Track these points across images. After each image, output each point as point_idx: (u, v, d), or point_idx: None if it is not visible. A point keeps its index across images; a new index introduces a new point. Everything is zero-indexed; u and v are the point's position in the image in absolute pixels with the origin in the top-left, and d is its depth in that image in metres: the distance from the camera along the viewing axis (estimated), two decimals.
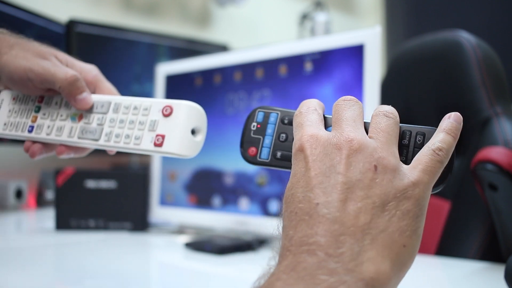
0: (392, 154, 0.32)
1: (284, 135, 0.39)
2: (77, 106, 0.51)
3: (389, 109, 0.35)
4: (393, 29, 1.95)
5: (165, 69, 1.06)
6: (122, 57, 1.50)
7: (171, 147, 0.46)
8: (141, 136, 0.47)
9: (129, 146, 0.48)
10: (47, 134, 0.53)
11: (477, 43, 0.91)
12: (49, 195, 1.39)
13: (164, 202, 1.02)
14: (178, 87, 1.04)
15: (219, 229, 0.93)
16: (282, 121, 0.39)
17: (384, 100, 0.78)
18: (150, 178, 1.04)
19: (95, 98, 0.52)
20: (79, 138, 0.51)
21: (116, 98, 0.51)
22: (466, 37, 0.92)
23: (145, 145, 0.47)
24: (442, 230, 0.90)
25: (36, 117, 0.54)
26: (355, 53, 0.78)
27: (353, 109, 0.35)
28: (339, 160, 0.31)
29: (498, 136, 0.82)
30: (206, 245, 0.79)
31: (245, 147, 0.40)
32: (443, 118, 0.35)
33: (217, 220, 0.92)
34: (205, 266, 0.74)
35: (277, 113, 0.40)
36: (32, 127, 0.53)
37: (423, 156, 0.33)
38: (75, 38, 1.39)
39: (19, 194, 1.33)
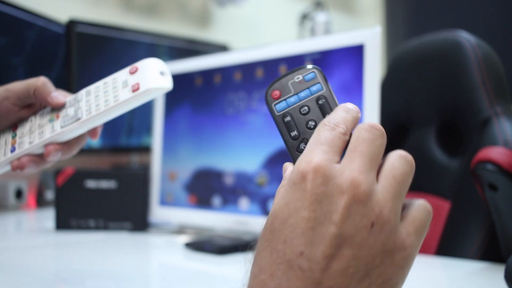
0: (394, 212, 0.30)
1: (307, 108, 0.35)
2: (54, 102, 0.54)
3: (408, 154, 0.32)
4: (393, 29, 1.95)
5: None
6: (122, 57, 1.49)
7: (148, 84, 0.50)
8: (118, 94, 0.51)
9: (110, 105, 0.51)
10: (30, 143, 0.54)
11: (477, 43, 0.91)
12: (49, 195, 1.39)
13: (164, 202, 1.02)
14: (178, 87, 1.03)
15: (219, 229, 0.93)
16: (318, 99, 0.35)
17: (384, 100, 0.78)
18: (150, 178, 1.04)
19: (67, 97, 0.56)
20: (62, 127, 0.53)
21: (86, 87, 0.55)
22: (466, 37, 0.92)
23: (124, 96, 0.51)
24: (442, 230, 0.90)
25: (15, 140, 0.56)
26: (355, 53, 0.78)
27: (376, 145, 0.31)
28: (337, 208, 0.29)
29: (498, 136, 0.82)
30: (206, 245, 0.79)
31: (274, 86, 0.36)
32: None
33: (217, 220, 0.92)
34: (205, 266, 0.74)
35: (323, 89, 0.36)
36: (14, 147, 0.55)
37: (418, 214, 0.32)
38: (75, 38, 1.39)
39: (19, 194, 1.33)
